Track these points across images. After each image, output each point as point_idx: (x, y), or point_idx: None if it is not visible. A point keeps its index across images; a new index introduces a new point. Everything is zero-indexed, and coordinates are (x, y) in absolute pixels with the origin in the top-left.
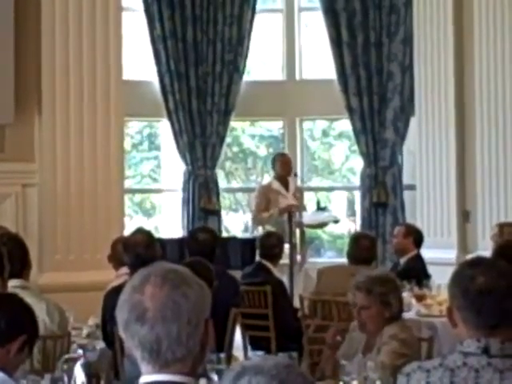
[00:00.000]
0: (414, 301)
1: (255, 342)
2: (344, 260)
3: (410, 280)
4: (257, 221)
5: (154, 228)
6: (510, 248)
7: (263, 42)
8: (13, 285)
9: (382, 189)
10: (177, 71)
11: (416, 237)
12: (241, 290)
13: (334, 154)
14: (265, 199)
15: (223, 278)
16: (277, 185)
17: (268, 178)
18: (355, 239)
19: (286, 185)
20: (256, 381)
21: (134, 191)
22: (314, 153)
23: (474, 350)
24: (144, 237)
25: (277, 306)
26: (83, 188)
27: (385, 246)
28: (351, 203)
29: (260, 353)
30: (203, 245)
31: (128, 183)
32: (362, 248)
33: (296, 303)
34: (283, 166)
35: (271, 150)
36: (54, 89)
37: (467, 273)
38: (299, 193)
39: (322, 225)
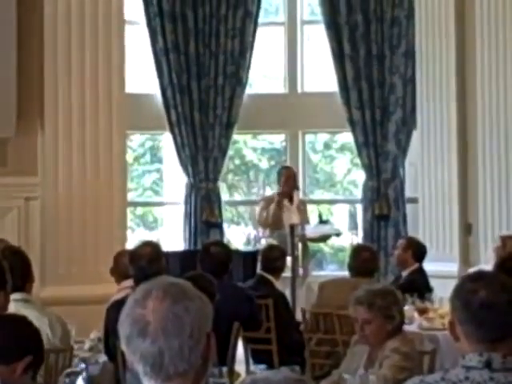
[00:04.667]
0: (416, 314)
1: (257, 356)
2: (346, 273)
3: (412, 293)
4: (262, 223)
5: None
6: (511, 261)
7: (265, 55)
8: (15, 298)
9: (384, 201)
10: (179, 84)
11: (416, 250)
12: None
13: (335, 166)
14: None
15: (228, 290)
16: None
17: (270, 191)
18: (355, 251)
19: (290, 197)
20: None
21: (136, 204)
22: (315, 165)
23: (476, 364)
24: (150, 250)
25: (279, 320)
26: (85, 201)
27: (387, 259)
28: (353, 216)
29: (262, 366)
30: (215, 258)
31: (130, 196)
32: (362, 260)
33: (298, 316)
34: (287, 181)
35: (273, 163)
36: (56, 102)
37: (469, 286)
38: (303, 205)
39: (324, 238)
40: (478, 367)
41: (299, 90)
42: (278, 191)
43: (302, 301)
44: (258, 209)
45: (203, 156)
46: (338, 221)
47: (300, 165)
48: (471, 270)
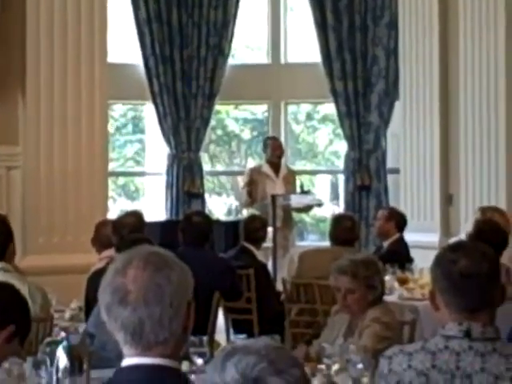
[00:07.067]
0: (396, 284)
1: (237, 325)
2: (327, 243)
3: (393, 263)
4: (244, 205)
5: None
6: (486, 231)
7: (248, 25)
8: None
9: (366, 172)
10: (162, 54)
11: (398, 220)
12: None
13: (318, 137)
14: (251, 182)
15: (209, 260)
16: (267, 168)
17: (251, 162)
18: (336, 220)
19: (276, 169)
20: (246, 361)
21: (117, 174)
22: (298, 136)
23: (455, 333)
24: (133, 220)
25: (260, 290)
26: (67, 171)
27: (368, 230)
28: (335, 186)
29: (242, 336)
30: (196, 228)
31: (112, 166)
32: (343, 229)
33: (279, 286)
34: (273, 150)
35: (255, 134)
36: (38, 71)
37: (449, 256)
38: (292, 177)
39: (307, 208)
40: (457, 336)
41: (282, 61)
42: (268, 159)
43: (284, 271)
44: (240, 182)
45: (185, 126)
46: (320, 191)
47: (282, 135)
48: (452, 240)
